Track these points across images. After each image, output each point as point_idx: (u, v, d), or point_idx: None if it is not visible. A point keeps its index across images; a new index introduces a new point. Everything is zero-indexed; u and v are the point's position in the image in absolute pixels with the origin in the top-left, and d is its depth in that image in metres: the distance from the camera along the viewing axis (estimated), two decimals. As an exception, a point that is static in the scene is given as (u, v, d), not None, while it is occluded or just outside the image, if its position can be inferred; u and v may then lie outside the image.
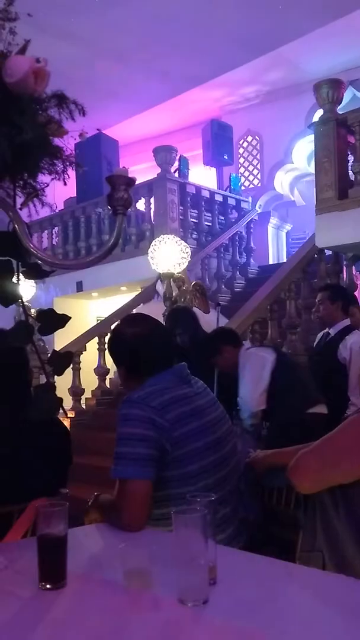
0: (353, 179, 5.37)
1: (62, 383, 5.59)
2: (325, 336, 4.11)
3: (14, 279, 1.51)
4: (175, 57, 8.22)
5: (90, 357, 6.30)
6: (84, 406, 6.39)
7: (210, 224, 8.39)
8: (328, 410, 3.30)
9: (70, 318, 1.57)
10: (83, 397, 6.35)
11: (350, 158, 5.50)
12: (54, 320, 1.56)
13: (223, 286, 7.82)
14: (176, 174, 8.01)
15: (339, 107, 5.56)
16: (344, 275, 5.76)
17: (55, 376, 1.66)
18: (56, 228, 9.25)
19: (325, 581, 1.20)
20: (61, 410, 1.59)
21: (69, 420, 5.67)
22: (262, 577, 1.21)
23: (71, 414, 6.03)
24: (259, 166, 10.29)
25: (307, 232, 7.95)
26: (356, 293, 5.50)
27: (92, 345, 6.36)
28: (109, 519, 1.57)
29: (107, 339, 5.06)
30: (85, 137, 1.54)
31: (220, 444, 1.69)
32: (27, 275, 1.55)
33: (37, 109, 1.42)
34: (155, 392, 1.60)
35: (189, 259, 5.45)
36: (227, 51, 8.08)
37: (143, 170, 8.67)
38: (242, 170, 10.37)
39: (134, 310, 4.39)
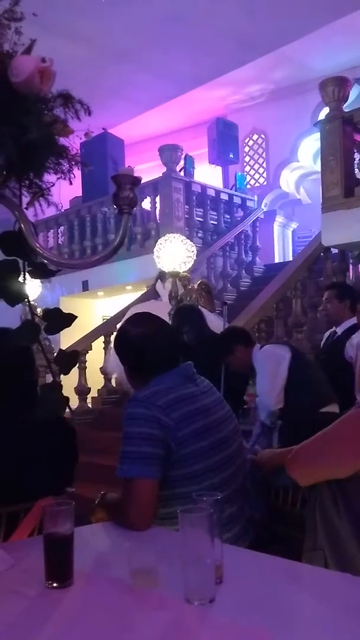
0: (359, 177, 5.36)
1: (68, 382, 5.60)
2: (332, 335, 4.09)
3: (20, 279, 1.51)
4: (180, 56, 8.21)
5: (96, 356, 6.31)
6: (89, 405, 6.39)
7: (215, 222, 8.38)
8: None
9: (76, 317, 1.57)
10: (89, 396, 6.36)
11: (357, 156, 5.48)
12: (60, 320, 1.56)
13: (229, 285, 7.81)
14: (182, 173, 8.01)
15: (345, 105, 5.54)
16: (350, 274, 5.74)
17: (61, 375, 1.66)
18: (62, 227, 9.26)
19: (331, 580, 1.19)
20: (67, 409, 1.59)
21: (74, 419, 5.67)
22: (268, 576, 1.20)
23: (77, 413, 6.04)
24: (264, 164, 10.27)
25: (313, 231, 7.94)
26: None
27: (98, 344, 6.37)
28: (115, 518, 1.58)
29: (112, 338, 5.08)
30: (91, 136, 1.55)
31: (226, 442, 1.69)
32: (33, 275, 1.56)
33: (42, 108, 1.42)
34: (161, 391, 1.60)
35: (195, 257, 5.45)
36: (232, 50, 8.07)
37: (148, 169, 8.68)
38: (247, 168, 10.36)
39: (131, 310, 4.37)
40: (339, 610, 1.03)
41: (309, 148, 9.63)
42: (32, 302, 1.62)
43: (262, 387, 3.38)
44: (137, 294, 7.40)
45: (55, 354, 1.58)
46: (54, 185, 1.58)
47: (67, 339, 5.64)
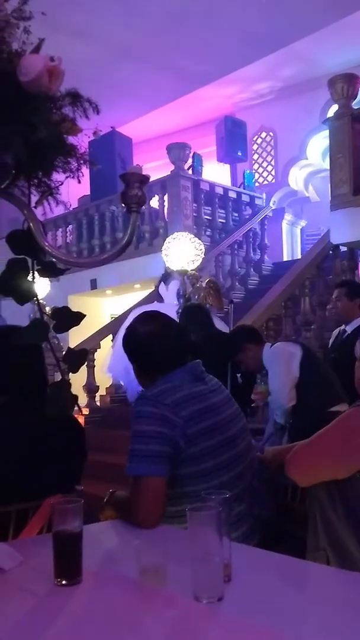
0: (368, 175, 5.34)
1: (77, 380, 5.62)
2: (342, 333, 4.07)
3: (29, 277, 1.52)
4: (188, 54, 8.20)
5: (104, 354, 6.32)
6: (98, 403, 6.41)
7: (224, 220, 8.37)
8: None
9: (84, 316, 1.57)
10: (97, 395, 6.38)
11: (366, 153, 5.46)
12: (69, 318, 1.56)
13: (237, 283, 7.80)
14: (190, 171, 8.00)
15: (354, 102, 5.51)
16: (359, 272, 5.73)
17: (70, 374, 1.66)
18: (70, 226, 9.28)
19: (339, 579, 1.19)
20: (76, 408, 1.59)
21: (83, 417, 5.70)
22: (276, 575, 1.20)
23: (85, 411, 6.05)
24: (273, 162, 10.23)
25: (321, 229, 7.89)
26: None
27: (106, 342, 6.38)
28: (123, 515, 1.58)
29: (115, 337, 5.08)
30: (99, 135, 1.54)
31: (235, 441, 1.68)
32: (42, 273, 1.56)
33: (51, 107, 1.42)
34: (169, 390, 1.60)
35: (203, 256, 5.44)
36: (240, 48, 8.04)
37: (157, 168, 8.67)
38: (256, 166, 10.33)
39: (133, 312, 4.36)
40: (346, 608, 1.03)
41: (318, 145, 9.59)
42: (41, 301, 1.63)
43: (274, 385, 3.37)
44: (145, 293, 7.41)
45: (64, 352, 1.59)
46: (62, 184, 1.58)
47: (75, 337, 5.65)
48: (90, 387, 6.18)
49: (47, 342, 1.57)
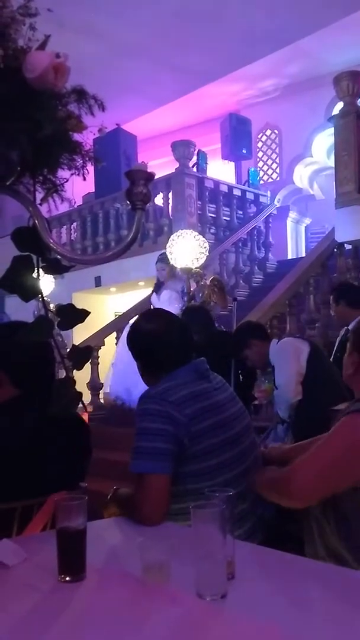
0: (373, 173, 5.31)
1: (81, 378, 5.62)
2: (346, 333, 4.07)
3: (34, 274, 1.52)
4: (193, 52, 8.18)
5: (108, 351, 6.33)
6: (102, 401, 6.42)
7: (228, 218, 8.36)
8: None
9: (89, 313, 1.57)
10: (101, 392, 6.39)
11: (371, 151, 5.44)
12: (73, 315, 1.56)
13: (241, 281, 7.79)
14: (194, 169, 7.99)
15: (359, 100, 5.49)
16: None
17: (74, 371, 1.66)
18: (75, 223, 9.29)
19: (342, 577, 1.19)
20: (80, 405, 1.60)
21: (87, 414, 5.69)
22: (279, 572, 1.20)
23: (90, 409, 6.06)
24: (277, 160, 10.22)
25: (326, 227, 7.89)
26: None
27: (111, 340, 6.38)
28: (127, 513, 1.58)
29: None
30: (105, 132, 1.54)
31: (239, 439, 1.68)
32: (47, 271, 1.56)
33: (56, 104, 1.42)
34: (173, 388, 1.61)
35: (207, 253, 5.44)
36: (245, 45, 8.02)
37: (161, 165, 8.66)
38: (260, 164, 10.31)
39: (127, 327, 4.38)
40: (349, 607, 1.03)
41: (323, 143, 9.56)
42: (45, 298, 1.63)
43: (280, 379, 3.35)
44: (149, 290, 7.42)
45: (68, 349, 1.59)
46: (67, 181, 1.58)
47: (79, 334, 5.66)
48: (94, 385, 6.19)
49: (52, 339, 1.57)
